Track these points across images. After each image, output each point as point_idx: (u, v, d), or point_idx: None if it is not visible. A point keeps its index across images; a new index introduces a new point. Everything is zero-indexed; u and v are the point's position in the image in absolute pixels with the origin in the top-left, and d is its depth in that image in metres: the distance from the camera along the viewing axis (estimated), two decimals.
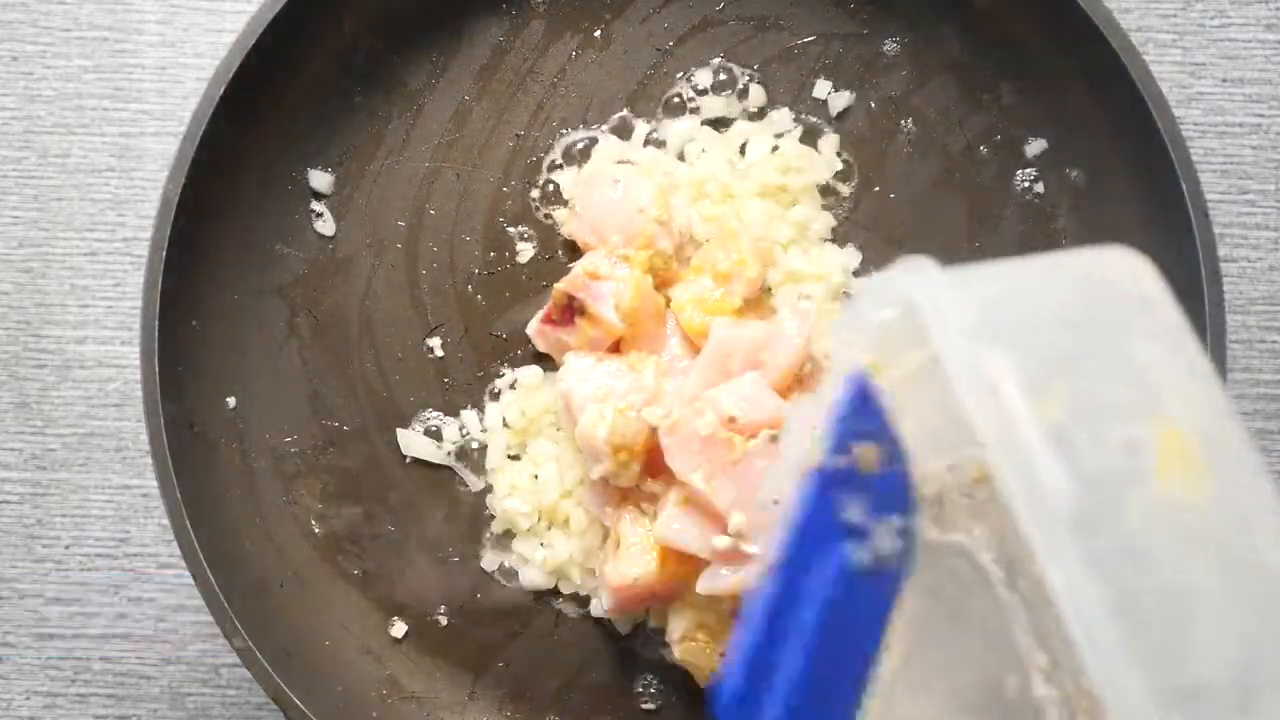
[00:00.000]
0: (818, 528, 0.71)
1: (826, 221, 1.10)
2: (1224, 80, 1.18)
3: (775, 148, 1.10)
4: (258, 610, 1.04)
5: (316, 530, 1.10)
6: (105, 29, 1.19)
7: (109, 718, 1.18)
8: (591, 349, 1.05)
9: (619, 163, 1.09)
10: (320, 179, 1.10)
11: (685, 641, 1.03)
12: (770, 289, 1.08)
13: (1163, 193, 1.01)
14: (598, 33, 1.11)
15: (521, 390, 1.09)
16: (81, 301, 1.19)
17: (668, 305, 1.07)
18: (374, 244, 1.11)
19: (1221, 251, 1.15)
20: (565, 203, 1.10)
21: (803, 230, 1.09)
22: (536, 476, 1.08)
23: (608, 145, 1.10)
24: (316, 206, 1.11)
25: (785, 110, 1.10)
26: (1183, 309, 1.01)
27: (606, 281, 1.04)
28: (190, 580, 1.02)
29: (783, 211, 1.09)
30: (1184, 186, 1.00)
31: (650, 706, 1.10)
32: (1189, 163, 1.00)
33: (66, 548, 1.19)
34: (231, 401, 1.09)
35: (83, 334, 1.19)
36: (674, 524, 0.99)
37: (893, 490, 0.74)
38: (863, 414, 0.73)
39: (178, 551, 1.02)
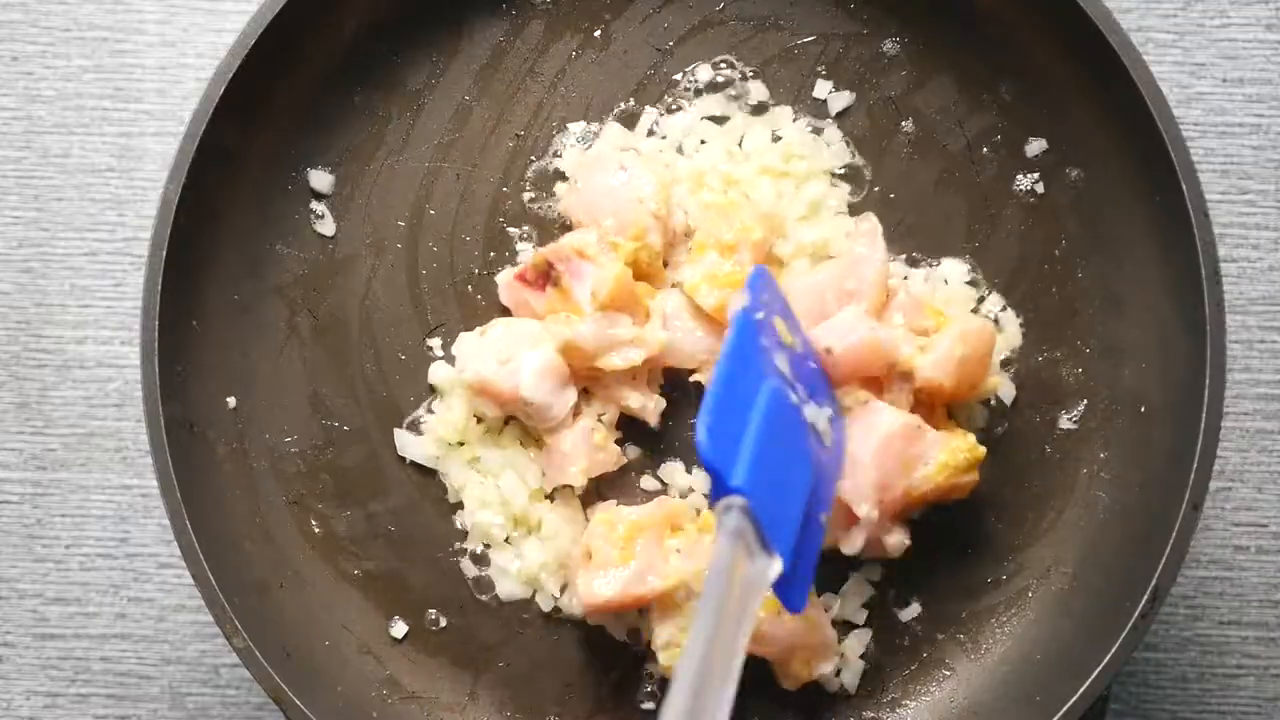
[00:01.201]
0: (753, 352, 0.88)
1: (842, 196, 1.10)
2: (1224, 80, 1.18)
3: (777, 138, 1.10)
4: (258, 610, 1.04)
5: (316, 530, 1.10)
6: (105, 29, 1.19)
7: (109, 718, 1.18)
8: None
9: (623, 150, 1.09)
10: (320, 179, 1.10)
11: (670, 649, 1.03)
12: (782, 261, 1.08)
13: (1163, 193, 1.01)
14: (598, 33, 1.11)
15: (439, 404, 1.09)
16: (81, 301, 1.19)
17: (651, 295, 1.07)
18: (374, 244, 1.11)
19: (1221, 251, 1.15)
20: (564, 177, 1.10)
21: (816, 207, 1.08)
22: (498, 486, 1.08)
23: (613, 131, 1.10)
24: (316, 206, 1.11)
25: (786, 108, 1.10)
26: (1183, 309, 1.01)
27: (590, 263, 1.04)
28: (190, 580, 1.02)
29: (793, 189, 1.08)
30: (1184, 186, 1.00)
31: (650, 706, 1.10)
32: (1189, 163, 1.00)
33: (66, 548, 1.19)
34: (231, 401, 1.09)
35: (83, 334, 1.19)
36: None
37: (814, 377, 0.96)
38: (769, 292, 0.94)
39: (178, 551, 1.01)
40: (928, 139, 1.10)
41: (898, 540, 1.05)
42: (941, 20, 1.09)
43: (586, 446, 1.05)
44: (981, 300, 1.09)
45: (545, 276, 1.05)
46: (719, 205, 1.07)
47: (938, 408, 1.05)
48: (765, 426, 0.85)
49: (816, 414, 0.94)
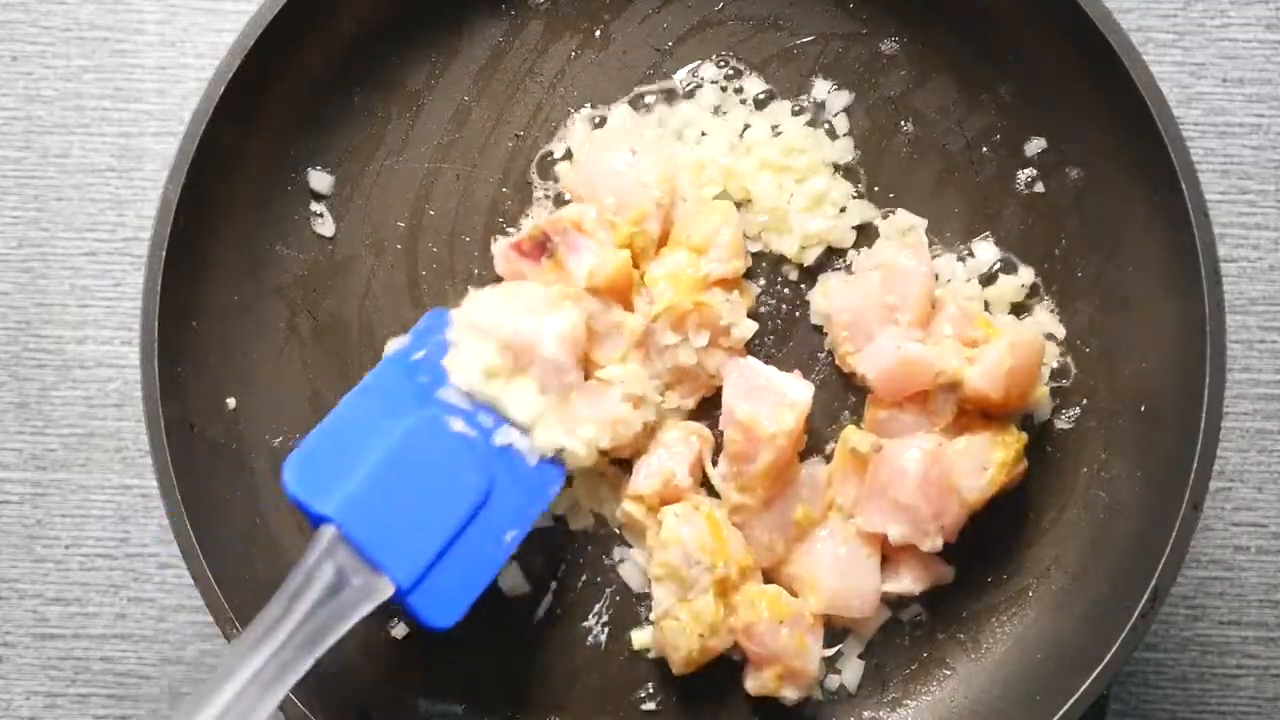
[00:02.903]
0: (392, 389, 0.96)
1: (845, 189, 1.09)
2: (1224, 80, 1.18)
3: (778, 131, 1.09)
4: (258, 610, 1.04)
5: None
6: (105, 29, 1.19)
7: (109, 718, 1.18)
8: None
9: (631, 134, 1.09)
10: (320, 179, 1.10)
11: (667, 619, 1.03)
12: (787, 257, 1.08)
13: (1163, 193, 1.01)
14: (598, 33, 1.11)
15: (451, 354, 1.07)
16: (81, 301, 1.19)
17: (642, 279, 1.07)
18: (374, 244, 1.11)
19: (1221, 251, 1.15)
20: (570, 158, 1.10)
21: (819, 200, 1.08)
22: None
23: (623, 113, 1.10)
24: (316, 207, 1.11)
25: (786, 103, 1.10)
26: (1183, 309, 1.01)
27: (589, 239, 1.04)
28: (190, 580, 1.02)
29: (794, 185, 1.08)
30: (1184, 186, 1.00)
31: (650, 707, 1.10)
32: (1189, 163, 1.00)
33: (66, 548, 1.19)
34: (231, 402, 1.09)
35: (83, 334, 1.19)
36: None
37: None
38: (441, 333, 1.00)
39: (178, 551, 1.01)
40: (928, 139, 1.10)
41: (944, 570, 1.07)
42: (941, 20, 1.09)
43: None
44: (1033, 296, 1.09)
45: (541, 248, 1.05)
46: (699, 202, 1.07)
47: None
48: (391, 456, 0.92)
49: (515, 434, 0.99)
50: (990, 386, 1.02)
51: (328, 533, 0.88)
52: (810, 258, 1.09)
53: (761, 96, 1.11)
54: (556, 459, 1.01)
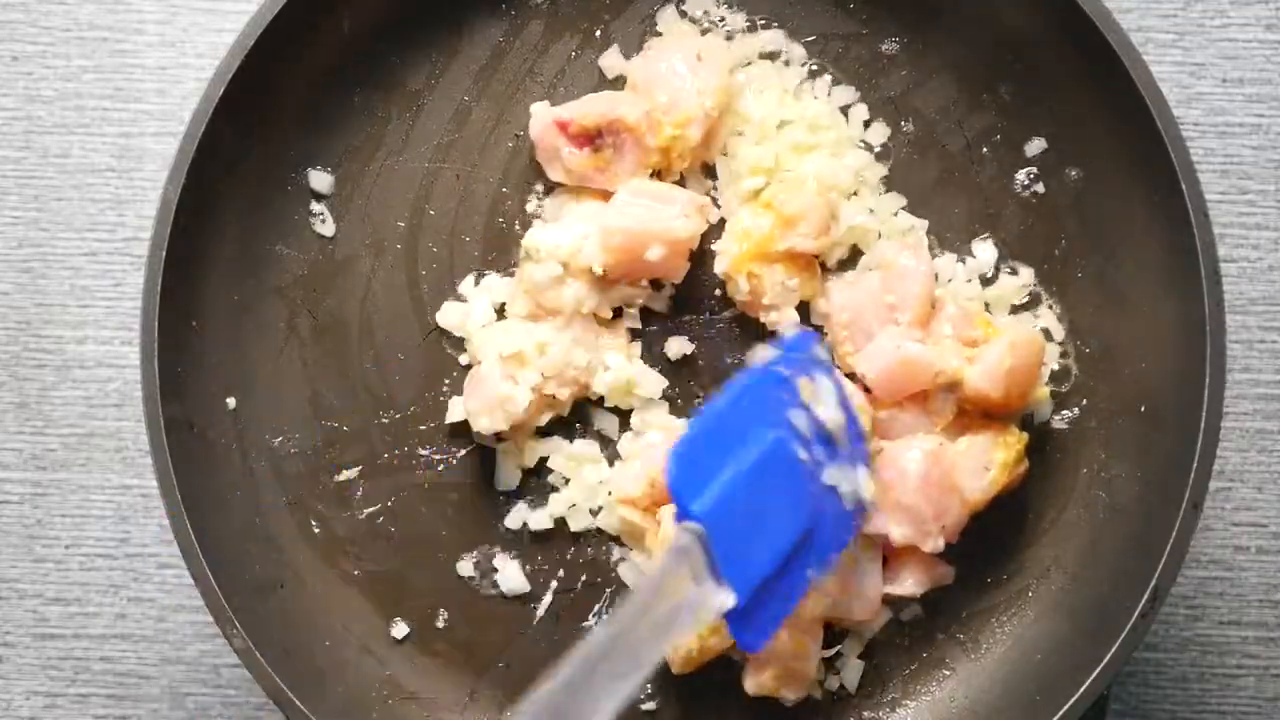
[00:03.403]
0: (759, 400, 0.93)
1: (878, 171, 1.09)
2: (1224, 80, 1.18)
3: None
4: (258, 610, 1.04)
5: (316, 531, 1.10)
6: (105, 29, 1.19)
7: (109, 718, 1.18)
8: (576, 180, 1.08)
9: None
10: (320, 179, 1.10)
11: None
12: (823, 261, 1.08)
13: (1163, 193, 1.01)
14: (598, 33, 1.11)
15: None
16: (81, 301, 1.19)
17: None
18: (374, 244, 1.11)
19: (1221, 251, 1.15)
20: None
21: (862, 179, 1.08)
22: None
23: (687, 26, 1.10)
24: (316, 207, 1.11)
25: (799, 48, 1.10)
26: (1183, 309, 1.01)
27: (631, 138, 1.05)
28: (190, 580, 1.02)
29: (838, 161, 1.08)
30: (1184, 186, 1.00)
31: (650, 706, 1.10)
32: (1189, 163, 1.00)
33: (66, 548, 1.19)
34: (231, 402, 1.09)
35: (83, 334, 1.19)
36: None
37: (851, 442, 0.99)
38: (805, 353, 0.98)
39: (178, 551, 1.01)
40: (928, 139, 1.10)
41: (945, 571, 1.07)
42: (941, 20, 1.09)
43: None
44: (1033, 296, 1.09)
45: (589, 140, 1.05)
46: (788, 172, 1.07)
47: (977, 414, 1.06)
48: (751, 470, 0.90)
49: (842, 476, 0.97)
50: (990, 386, 1.02)
51: (693, 531, 0.85)
52: (835, 257, 1.09)
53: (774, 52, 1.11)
54: (860, 506, 0.99)
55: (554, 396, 1.07)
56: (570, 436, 1.10)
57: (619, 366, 1.07)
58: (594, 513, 1.09)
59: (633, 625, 0.80)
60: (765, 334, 1.09)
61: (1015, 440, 1.04)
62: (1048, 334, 1.08)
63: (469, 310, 1.09)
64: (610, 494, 1.08)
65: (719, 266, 1.07)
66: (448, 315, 1.10)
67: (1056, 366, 1.09)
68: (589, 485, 1.09)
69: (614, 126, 1.05)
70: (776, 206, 1.04)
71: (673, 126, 1.05)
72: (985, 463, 1.03)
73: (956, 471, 1.03)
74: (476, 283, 1.10)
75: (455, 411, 1.09)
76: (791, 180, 1.06)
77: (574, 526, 1.09)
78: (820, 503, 0.95)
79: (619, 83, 1.10)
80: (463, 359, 1.10)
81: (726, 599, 0.86)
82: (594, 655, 0.77)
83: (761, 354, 0.99)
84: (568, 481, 1.09)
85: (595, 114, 1.06)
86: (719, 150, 1.09)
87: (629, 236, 1.04)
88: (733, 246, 1.06)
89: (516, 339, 1.06)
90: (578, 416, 1.10)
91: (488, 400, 1.05)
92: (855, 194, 1.08)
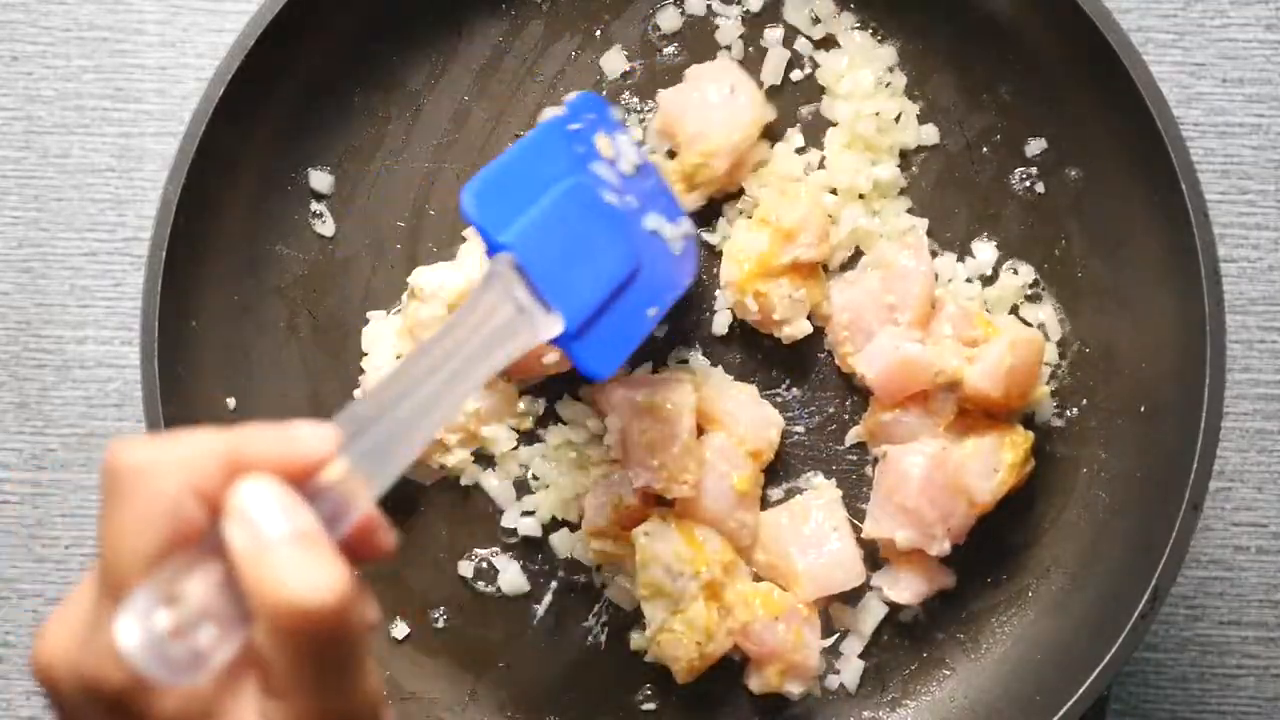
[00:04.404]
0: (556, 148, 0.96)
1: (899, 182, 1.09)
2: (1224, 80, 1.18)
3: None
4: None
5: None
6: (105, 29, 1.19)
7: None
8: None
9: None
10: (320, 179, 1.10)
11: (662, 633, 1.03)
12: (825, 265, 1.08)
13: (1163, 193, 1.01)
14: (598, 33, 1.11)
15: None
16: (81, 301, 1.19)
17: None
18: (374, 244, 1.11)
19: (1221, 251, 1.15)
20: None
21: (885, 190, 1.08)
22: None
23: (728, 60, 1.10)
24: (316, 207, 1.11)
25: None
26: (1183, 309, 1.01)
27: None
28: None
29: (868, 166, 1.08)
30: (1184, 186, 1.00)
31: (650, 707, 1.10)
32: (1189, 163, 1.00)
33: (66, 548, 1.19)
34: (231, 402, 1.09)
35: (83, 334, 1.19)
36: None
37: (658, 194, 1.02)
38: (595, 113, 1.00)
39: None
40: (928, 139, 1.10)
41: (945, 578, 1.07)
42: (941, 20, 1.09)
43: None
44: (1033, 296, 1.09)
45: None
46: (782, 181, 1.06)
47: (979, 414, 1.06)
48: (559, 204, 0.92)
49: (661, 224, 1.00)
50: (991, 385, 1.02)
51: (505, 259, 0.86)
52: (839, 260, 1.09)
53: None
54: (689, 252, 1.02)
55: (445, 444, 1.07)
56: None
57: (501, 436, 1.08)
58: (573, 529, 1.09)
59: (451, 348, 0.79)
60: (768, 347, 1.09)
61: (1022, 440, 1.04)
62: (1047, 334, 1.08)
63: (370, 353, 1.09)
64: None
65: (722, 294, 1.07)
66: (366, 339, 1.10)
67: (1056, 364, 1.09)
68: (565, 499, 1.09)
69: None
70: (773, 221, 1.04)
71: (697, 155, 1.05)
72: (994, 464, 1.03)
73: (964, 474, 1.03)
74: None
75: None
76: (785, 192, 1.06)
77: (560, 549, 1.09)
78: (646, 245, 0.98)
79: (619, 82, 1.10)
80: (356, 392, 1.10)
81: (554, 324, 0.88)
82: (415, 372, 0.75)
83: (549, 112, 1.02)
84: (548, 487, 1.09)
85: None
86: (742, 181, 1.08)
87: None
88: (734, 270, 1.05)
89: None
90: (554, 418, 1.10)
91: None
92: (862, 196, 1.08)
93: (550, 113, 1.02)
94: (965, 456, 1.03)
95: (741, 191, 1.08)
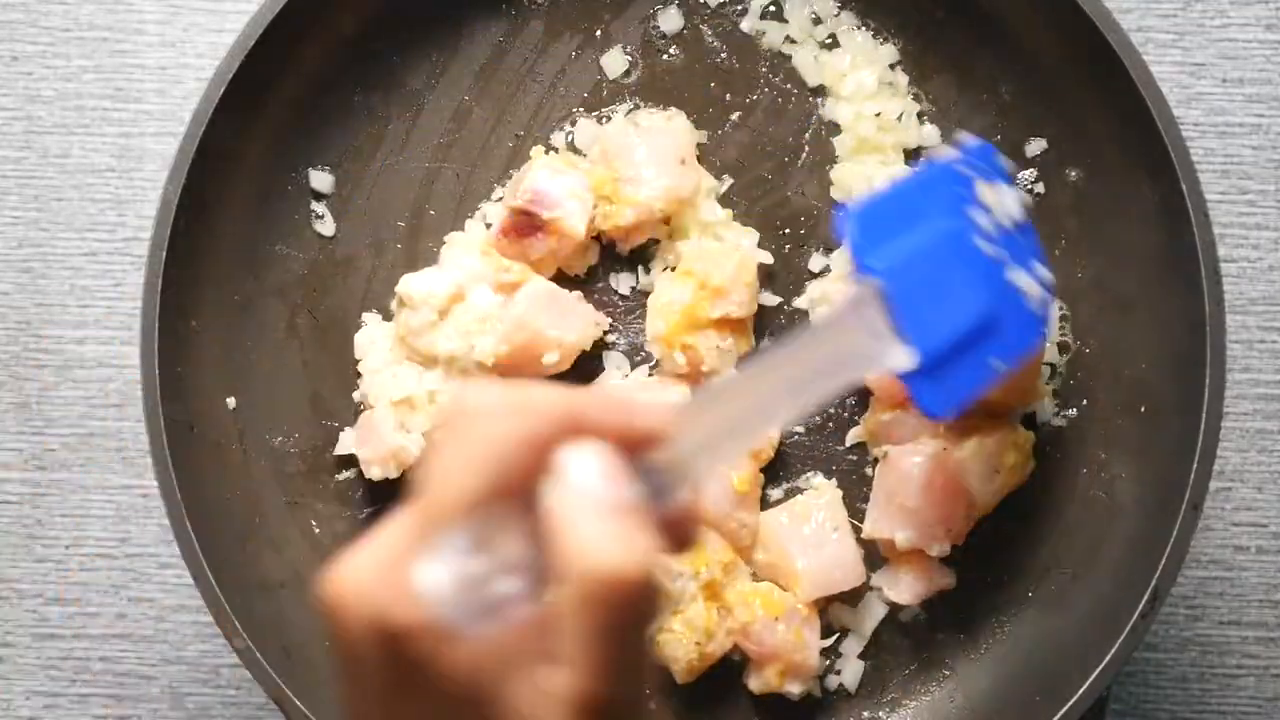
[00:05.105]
0: (940, 185, 0.93)
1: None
2: (1224, 80, 1.18)
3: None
4: (258, 610, 1.04)
5: (317, 530, 1.10)
6: (105, 29, 1.19)
7: (109, 718, 1.18)
8: (548, 264, 1.07)
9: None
10: (320, 179, 1.10)
11: (662, 633, 1.03)
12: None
13: (1163, 193, 1.01)
14: (598, 33, 1.11)
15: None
16: (81, 301, 1.19)
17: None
18: (374, 244, 1.11)
19: (1221, 251, 1.15)
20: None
21: None
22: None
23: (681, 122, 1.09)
24: (316, 206, 1.11)
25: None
26: (1183, 309, 1.01)
27: (561, 181, 1.04)
28: (190, 580, 1.02)
29: (879, 169, 1.08)
30: (1184, 186, 1.00)
31: (650, 707, 1.09)
32: (1189, 163, 1.00)
33: (66, 548, 1.19)
34: (231, 402, 1.09)
35: (83, 334, 1.19)
36: None
37: (1027, 248, 0.98)
38: (986, 161, 0.97)
39: (178, 551, 1.01)
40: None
41: (946, 578, 1.07)
42: (941, 20, 1.09)
43: None
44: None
45: (529, 225, 1.05)
46: (713, 237, 1.06)
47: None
48: (932, 242, 0.90)
49: (1026, 280, 0.96)
50: None
51: (872, 284, 0.85)
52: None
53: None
54: (1045, 309, 0.99)
55: None
56: None
57: None
58: None
59: (802, 360, 0.77)
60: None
61: (1023, 440, 1.04)
62: (1048, 334, 1.09)
63: (366, 353, 1.09)
64: None
65: (651, 347, 1.06)
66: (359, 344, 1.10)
67: (1056, 365, 1.09)
68: None
69: (532, 201, 1.04)
70: (699, 275, 1.03)
71: (630, 205, 1.04)
72: (994, 465, 1.03)
73: (965, 475, 1.03)
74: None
75: (344, 444, 1.09)
76: (714, 251, 1.05)
77: None
78: (1005, 294, 0.95)
79: (619, 82, 1.10)
80: (355, 395, 1.10)
81: (907, 356, 0.86)
82: (760, 376, 0.74)
83: (942, 152, 0.99)
84: None
85: (513, 207, 1.05)
86: (678, 234, 1.08)
87: (531, 334, 1.04)
88: (659, 325, 1.04)
89: (406, 384, 1.05)
90: None
91: (380, 451, 1.05)
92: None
93: (943, 151, 1.00)
94: (966, 457, 1.03)
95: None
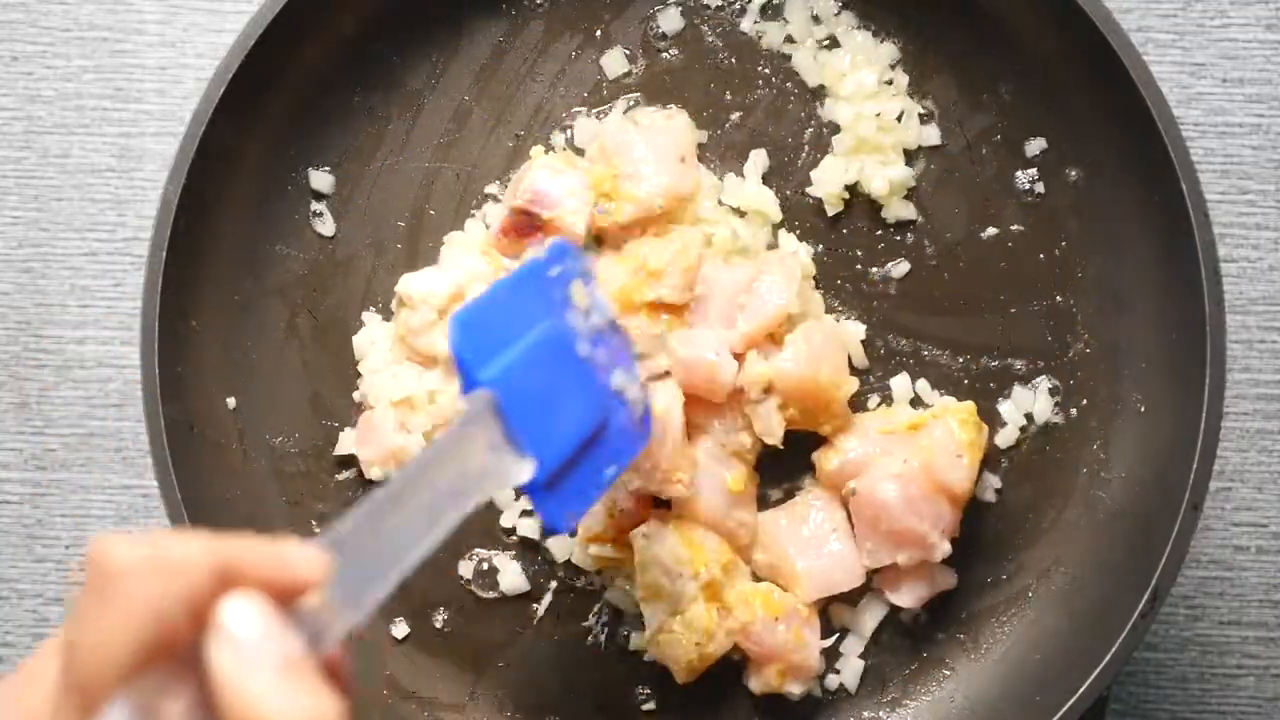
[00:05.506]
0: (537, 289, 0.91)
1: (909, 181, 1.09)
2: (1224, 80, 1.18)
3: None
4: None
5: (317, 530, 1.10)
6: (105, 29, 1.19)
7: None
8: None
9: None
10: (320, 179, 1.10)
11: (662, 634, 1.03)
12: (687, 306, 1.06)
13: (1163, 193, 1.01)
14: (598, 33, 1.11)
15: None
16: (81, 301, 1.19)
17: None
18: (374, 244, 1.11)
19: (1221, 251, 1.15)
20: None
21: (899, 189, 1.08)
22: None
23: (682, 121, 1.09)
24: (316, 206, 1.11)
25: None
26: (1183, 309, 1.01)
27: (561, 181, 1.03)
28: None
29: (879, 169, 1.08)
30: (1184, 186, 1.00)
31: (650, 707, 1.10)
32: (1189, 163, 1.00)
33: (66, 548, 1.19)
34: (231, 401, 1.09)
35: (83, 334, 1.19)
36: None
37: (621, 350, 0.96)
38: (572, 261, 0.94)
39: None
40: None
41: (947, 578, 1.08)
42: (941, 20, 1.09)
43: None
44: None
45: (529, 225, 1.05)
46: (661, 226, 1.06)
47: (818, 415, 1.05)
48: (537, 348, 0.88)
49: (626, 382, 0.95)
50: (797, 373, 1.01)
51: (483, 397, 0.83)
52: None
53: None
54: (646, 417, 0.98)
55: None
56: None
57: None
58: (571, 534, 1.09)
59: (423, 486, 0.75)
60: None
61: (966, 413, 1.04)
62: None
63: (365, 353, 1.09)
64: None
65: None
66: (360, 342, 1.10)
67: (1056, 366, 1.09)
68: None
69: (531, 200, 1.04)
70: (638, 258, 1.03)
71: (623, 200, 1.04)
72: (955, 450, 1.02)
73: (935, 472, 1.02)
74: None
75: (344, 444, 1.09)
76: (661, 237, 1.05)
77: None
78: (611, 401, 0.94)
79: (619, 83, 1.10)
80: (355, 395, 1.10)
81: (526, 469, 0.84)
82: (382, 506, 0.71)
83: (531, 253, 1.00)
84: None
85: (515, 207, 1.05)
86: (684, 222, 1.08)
87: None
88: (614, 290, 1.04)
89: (406, 384, 1.06)
90: None
91: (380, 451, 1.06)
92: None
93: (532, 252, 1.01)
94: (928, 457, 1.03)
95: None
